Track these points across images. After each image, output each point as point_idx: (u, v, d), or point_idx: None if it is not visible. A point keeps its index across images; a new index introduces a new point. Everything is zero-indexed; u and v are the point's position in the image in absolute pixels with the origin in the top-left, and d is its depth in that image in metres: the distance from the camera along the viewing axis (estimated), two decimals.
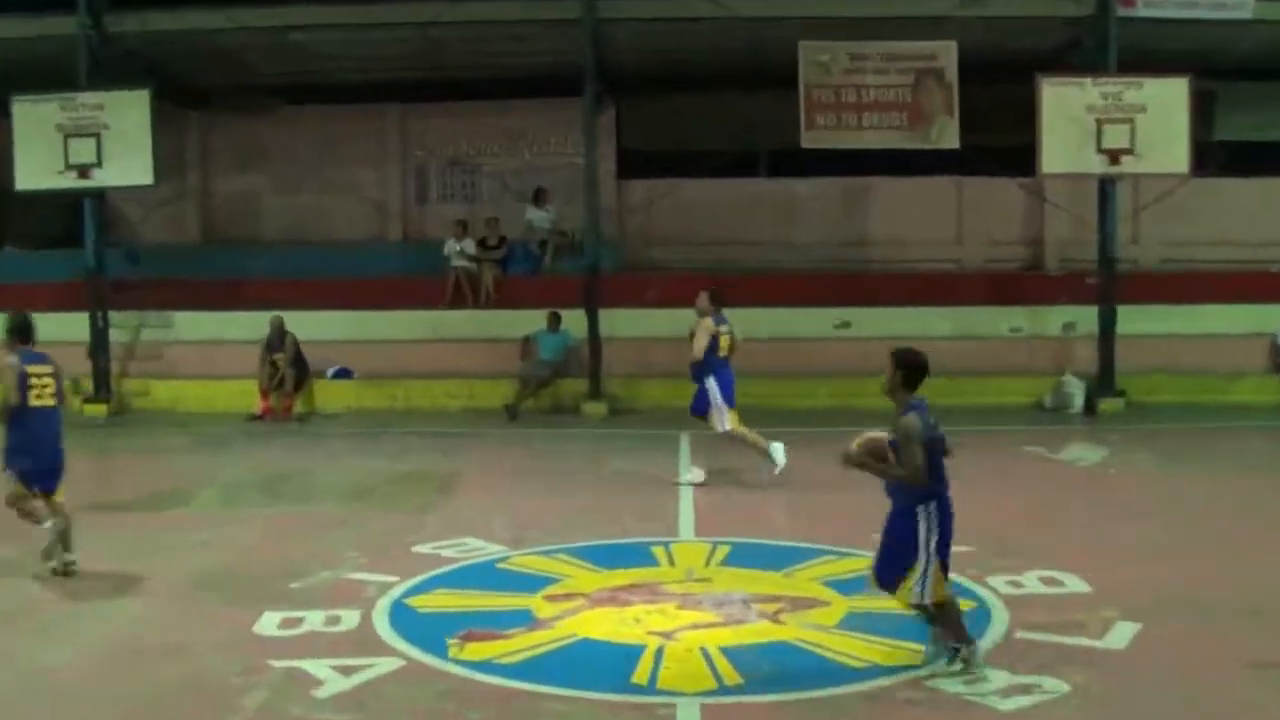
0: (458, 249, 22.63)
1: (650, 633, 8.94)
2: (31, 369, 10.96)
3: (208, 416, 20.12)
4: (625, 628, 9.09)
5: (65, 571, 10.69)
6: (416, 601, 9.80)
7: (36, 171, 20.30)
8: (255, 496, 14.41)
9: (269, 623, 9.32)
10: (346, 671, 8.33)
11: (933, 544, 7.99)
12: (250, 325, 20.97)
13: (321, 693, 8.00)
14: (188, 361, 21.53)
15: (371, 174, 25.03)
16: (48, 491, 11.01)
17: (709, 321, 14.21)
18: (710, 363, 14.15)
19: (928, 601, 8.08)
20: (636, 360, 20.76)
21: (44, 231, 24.26)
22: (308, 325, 20.72)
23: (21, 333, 11.11)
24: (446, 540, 11.72)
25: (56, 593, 10.34)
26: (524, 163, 24.86)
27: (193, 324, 21.94)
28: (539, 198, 23.48)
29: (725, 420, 14.23)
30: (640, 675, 8.16)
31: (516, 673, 8.19)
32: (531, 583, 10.22)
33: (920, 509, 8.00)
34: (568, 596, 9.87)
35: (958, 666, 8.18)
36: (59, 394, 11.16)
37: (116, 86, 20.26)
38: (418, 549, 11.38)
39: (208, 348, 21.60)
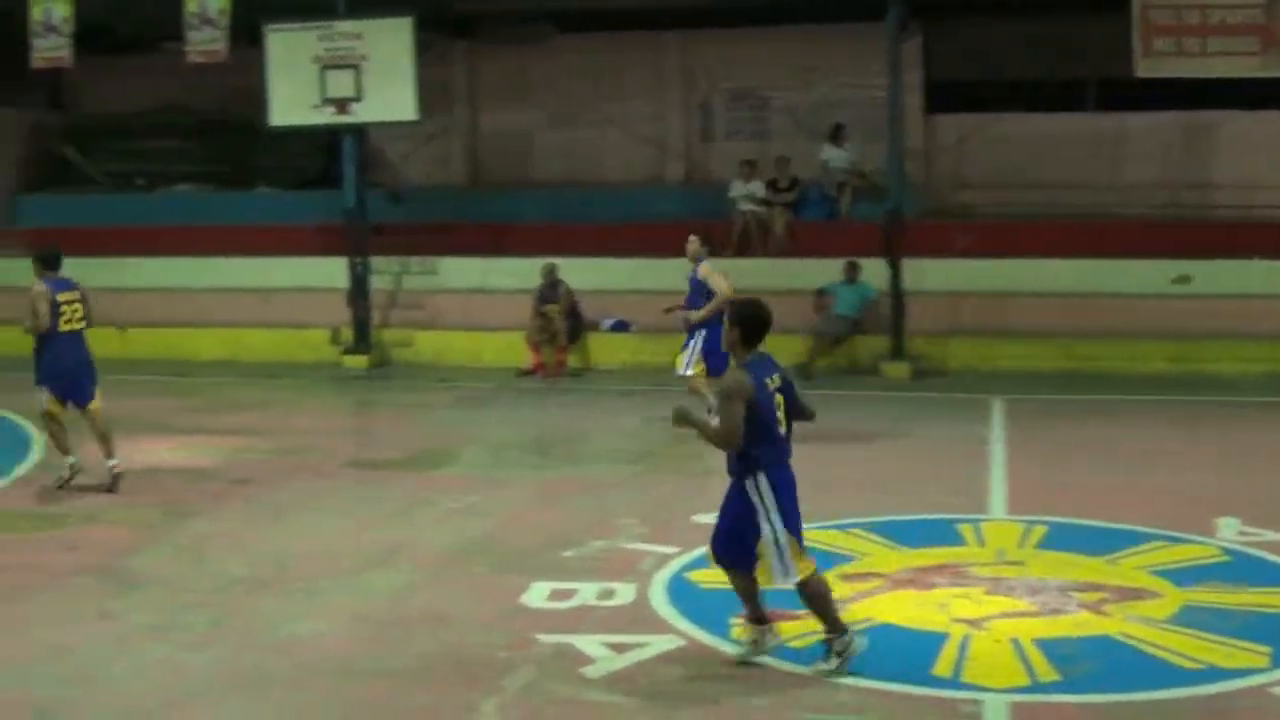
0: (745, 191, 22.69)
1: (955, 620, 8.90)
2: (61, 296, 12.98)
3: (474, 370, 20.68)
4: (927, 613, 9.07)
5: (71, 477, 12.94)
6: (697, 576, 9.94)
7: (291, 106, 21.07)
8: (525, 458, 14.78)
9: (538, 594, 9.59)
10: (620, 649, 8.52)
11: (775, 518, 7.96)
12: (520, 273, 21.46)
13: (592, 671, 8.20)
14: (452, 311, 22.15)
15: (650, 109, 25.26)
16: (81, 404, 13.08)
17: (715, 263, 15.49)
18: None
19: (794, 581, 8.02)
20: (944, 316, 20.51)
21: (299, 171, 25.28)
22: (582, 273, 21.09)
23: (49, 261, 13.22)
24: None
25: (313, 559, 10.85)
26: (819, 96, 24.71)
27: (458, 271, 22.55)
28: (836, 135, 23.34)
29: (690, 365, 15.22)
30: (943, 667, 8.13)
31: (806, 656, 8.24)
32: (825, 560, 10.23)
33: (749, 481, 7.99)
34: (864, 576, 9.89)
35: (832, 663, 8.05)
36: (86, 317, 13.13)
37: (377, 14, 20.83)
38: (699, 518, 11.49)
39: (474, 297, 22.19)
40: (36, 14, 21.51)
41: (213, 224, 24.19)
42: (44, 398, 13.02)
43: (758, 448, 7.97)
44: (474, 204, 24.26)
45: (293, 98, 20.93)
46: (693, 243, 15.47)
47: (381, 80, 20.65)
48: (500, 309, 21.45)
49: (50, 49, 21.68)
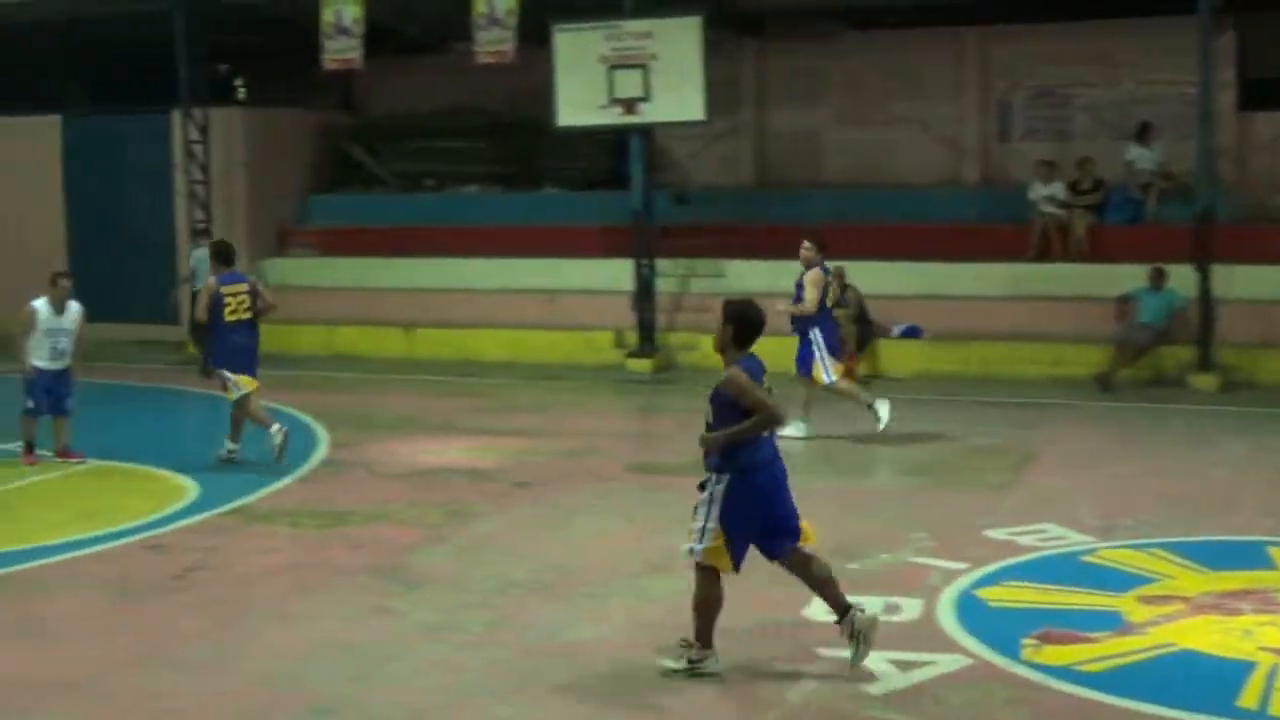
0: (1045, 193, 22.25)
1: (1263, 649, 8.59)
2: (226, 289, 14.80)
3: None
4: (1232, 640, 8.77)
5: (282, 448, 14.46)
6: (987, 593, 9.81)
7: (578, 106, 21.44)
8: (809, 466, 14.70)
9: (821, 606, 9.54)
10: (904, 667, 8.45)
11: (715, 511, 8.27)
12: None
13: (875, 689, 8.15)
14: None
15: (946, 107, 24.96)
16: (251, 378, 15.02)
17: (818, 273, 15.64)
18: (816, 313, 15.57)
19: (698, 558, 8.29)
20: (1257, 326, 19.79)
21: (586, 171, 25.67)
22: (871, 277, 20.96)
23: (223, 257, 15.15)
24: (1023, 525, 11.65)
25: (593, 563, 11.02)
26: (1124, 93, 24.08)
27: (745, 274, 22.59)
28: (1143, 134, 22.72)
29: (830, 371, 15.55)
30: (1248, 698, 7.86)
31: (1100, 682, 8.06)
32: (1122, 580, 10.01)
33: (712, 479, 8.30)
34: (1165, 599, 9.61)
35: (680, 664, 8.34)
36: (253, 308, 14.89)
37: (665, 13, 21.09)
38: (990, 533, 11.37)
39: (759, 300, 22.16)
40: (328, 16, 22.33)
41: (499, 225, 24.75)
42: (227, 379, 14.82)
43: (743, 447, 8.27)
44: (761, 205, 24.31)
45: (580, 98, 21.30)
46: (807, 250, 15.78)
47: (669, 80, 20.85)
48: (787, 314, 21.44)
49: (341, 50, 22.47)
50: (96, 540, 11.97)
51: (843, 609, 8.47)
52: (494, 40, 21.75)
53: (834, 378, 15.71)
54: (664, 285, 22.31)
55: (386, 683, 8.48)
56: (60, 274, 15.08)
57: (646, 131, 21.88)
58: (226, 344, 14.87)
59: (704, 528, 8.35)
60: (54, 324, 14.70)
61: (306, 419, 17.28)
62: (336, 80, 25.91)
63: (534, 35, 21.67)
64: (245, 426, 15.02)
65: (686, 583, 10.23)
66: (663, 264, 22.23)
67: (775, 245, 22.66)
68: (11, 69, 26.04)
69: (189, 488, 13.84)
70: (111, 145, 26.00)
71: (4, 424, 15.36)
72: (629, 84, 21.02)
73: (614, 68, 21.10)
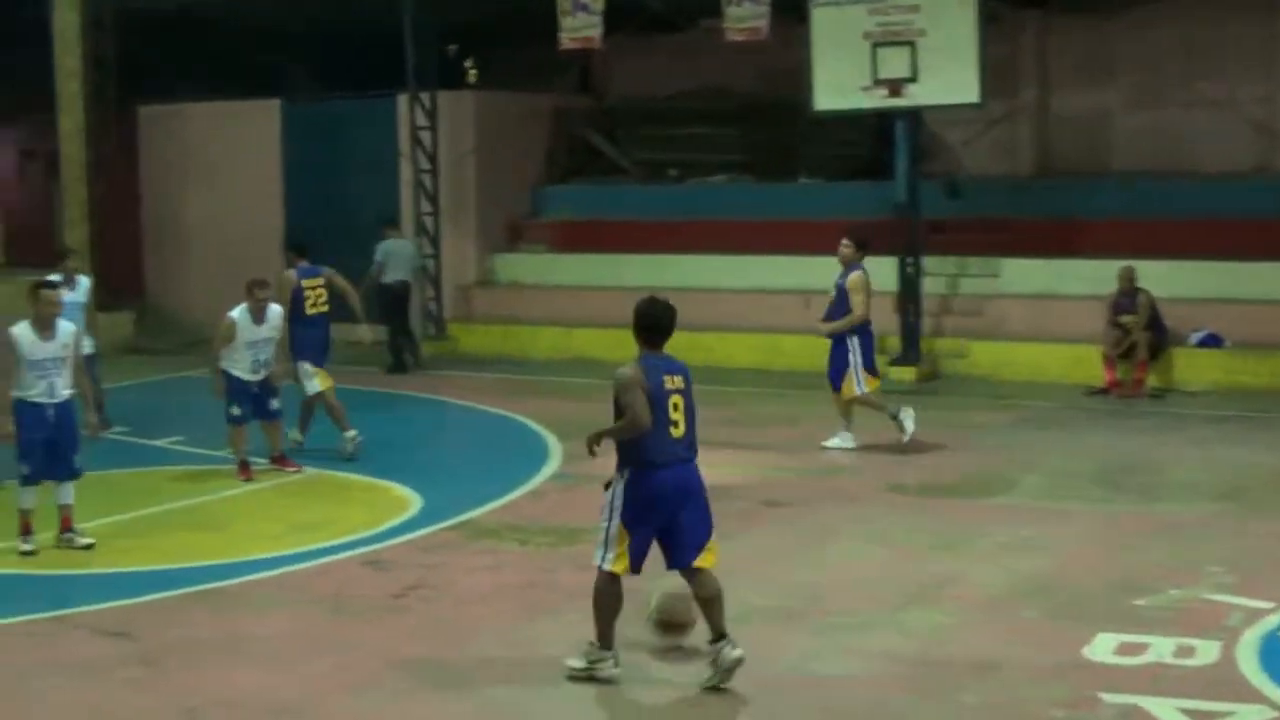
0: None
1: None
2: (306, 283, 16.35)
3: (1037, 387, 20.39)
4: None
5: (354, 451, 15.84)
6: None
7: (838, 89, 21.30)
8: (1091, 489, 14.49)
9: (1103, 646, 9.39)
10: (1198, 717, 8.24)
11: (618, 510, 8.89)
12: (1092, 277, 21.03)
13: None
14: (1014, 319, 21.92)
15: (1255, 86, 24.27)
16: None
17: (863, 275, 16.12)
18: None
19: (607, 568, 8.92)
20: None
21: (846, 160, 25.54)
22: (1166, 278, 20.50)
23: (300, 250, 16.78)
24: None
25: (846, 591, 10.97)
26: None
27: (1022, 273, 22.30)
28: None
29: (862, 384, 16.00)
30: None
31: None
32: None
33: (617, 476, 8.92)
34: None
35: (579, 663, 8.94)
36: (329, 301, 16.44)
37: None
38: None
39: (1039, 303, 21.90)
40: None
41: (749, 218, 24.72)
42: (306, 371, 16.11)
43: (630, 446, 8.88)
44: (1042, 197, 23.91)
45: (840, 79, 21.18)
46: (845, 247, 16.27)
47: (940, 58, 20.61)
48: (1069, 318, 21.10)
49: (579, 29, 22.73)
50: (312, 554, 12.30)
51: (719, 634, 8.96)
52: (745, 16, 21.80)
53: (865, 390, 16.10)
54: (931, 286, 22.11)
55: (615, 716, 8.54)
56: (257, 283, 15.41)
57: (913, 115, 21.68)
58: (307, 337, 16.18)
59: (606, 533, 9.00)
60: (254, 335, 15.11)
61: (537, 427, 17.52)
62: (574, 61, 26.23)
63: (789, 10, 21.66)
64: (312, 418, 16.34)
65: (947, 616, 10.18)
66: (930, 262, 22.03)
67: (1056, 241, 22.37)
68: (236, 51, 26.92)
69: (410, 499, 14.13)
70: (334, 131, 26.68)
71: (215, 428, 15.88)
72: (894, 63, 20.84)
73: (878, 45, 20.94)
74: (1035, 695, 8.66)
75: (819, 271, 22.96)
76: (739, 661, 8.83)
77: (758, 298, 23.29)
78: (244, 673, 9.53)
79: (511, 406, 18.81)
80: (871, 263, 22.02)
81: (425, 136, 25.12)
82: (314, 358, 16.27)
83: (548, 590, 11.14)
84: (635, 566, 9.03)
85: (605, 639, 9.04)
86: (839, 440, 16.32)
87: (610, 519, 9.00)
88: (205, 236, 25.99)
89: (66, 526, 12.63)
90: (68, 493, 12.63)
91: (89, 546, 12.56)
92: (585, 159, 27.55)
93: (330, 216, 25.97)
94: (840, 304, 16.27)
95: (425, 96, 25.04)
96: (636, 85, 27.57)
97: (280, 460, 15.47)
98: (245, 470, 15.19)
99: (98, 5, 26.08)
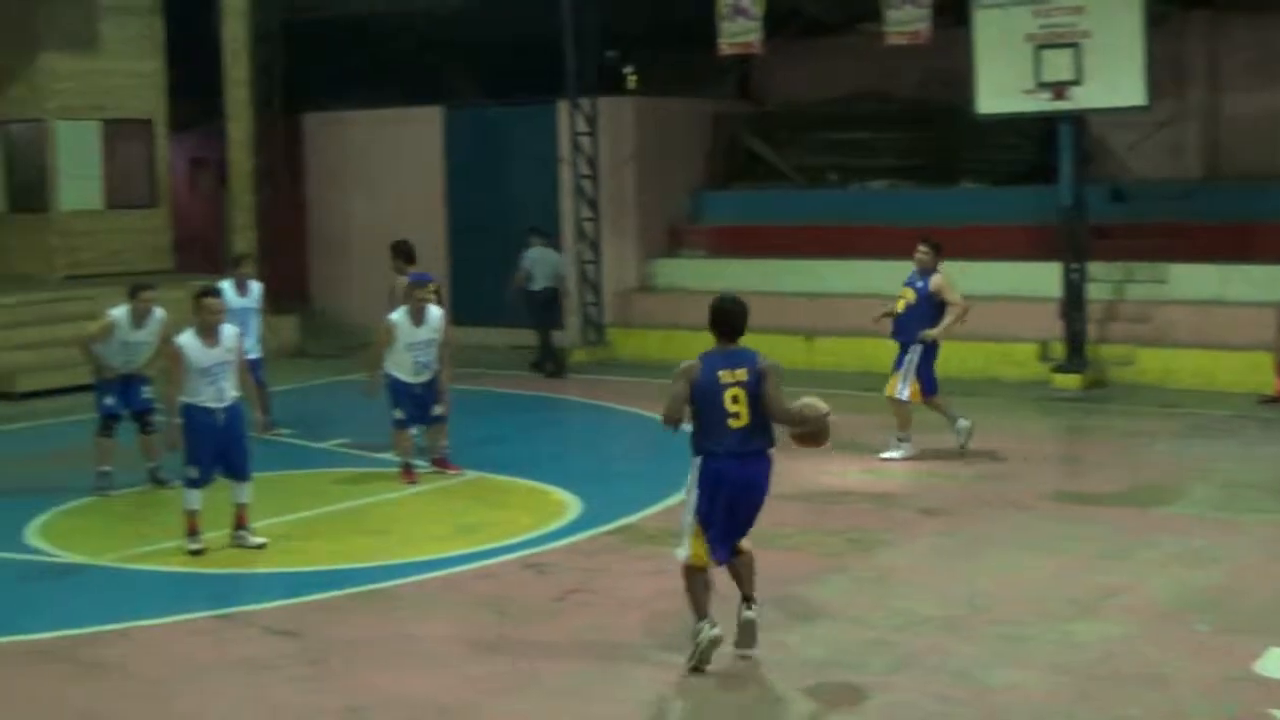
0: None
1: None
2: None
3: (1207, 395, 20.03)
4: None
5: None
6: None
7: (1001, 91, 21.07)
8: (1265, 500, 14.20)
9: (1275, 661, 9.21)
10: None
11: (691, 501, 9.43)
12: (1263, 282, 20.65)
13: None
14: (1183, 325, 21.54)
15: None
16: None
17: (944, 277, 16.21)
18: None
19: (681, 559, 9.46)
20: None
21: (1008, 164, 25.27)
22: None
23: (406, 255, 17.08)
24: None
25: (1011, 601, 10.86)
26: None
27: (1190, 279, 21.93)
28: None
29: (906, 389, 16.02)
30: None
31: None
32: None
33: (692, 463, 9.47)
34: None
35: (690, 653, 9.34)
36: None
37: None
38: None
39: (1208, 309, 21.52)
40: None
41: (910, 223, 24.48)
42: None
43: (697, 433, 9.46)
44: (1211, 200, 23.49)
45: (1003, 82, 20.98)
46: (924, 253, 16.29)
47: (1105, 60, 20.34)
48: (1239, 324, 20.68)
49: (738, 34, 22.73)
50: (474, 557, 12.40)
51: (747, 597, 9.69)
52: (906, 19, 21.68)
53: (905, 396, 16.09)
54: (1096, 292, 21.80)
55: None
56: (416, 283, 15.63)
57: (1078, 119, 21.41)
58: None
59: (685, 528, 9.56)
60: (413, 336, 15.25)
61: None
62: (733, 66, 26.22)
63: (950, 13, 21.50)
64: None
65: (1115, 627, 10.05)
66: (1095, 268, 21.72)
67: (1226, 246, 21.97)
68: (399, 60, 27.24)
69: (571, 503, 14.20)
70: (495, 137, 26.89)
71: (378, 431, 16.07)
72: (1058, 65, 20.60)
73: (1041, 47, 20.71)
74: (1204, 710, 8.52)
75: (982, 277, 22.86)
76: (717, 641, 9.32)
77: None
78: (407, 673, 9.63)
79: None
80: (1034, 269, 22.04)
81: (585, 142, 25.23)
82: None
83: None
84: (715, 555, 9.53)
85: (702, 609, 9.45)
86: (893, 453, 16.14)
87: (686, 513, 9.53)
88: (368, 242, 26.22)
89: (240, 524, 12.86)
90: (244, 491, 12.86)
91: (260, 546, 12.77)
92: (745, 164, 27.52)
93: (491, 222, 26.21)
94: (921, 308, 16.20)
95: (585, 102, 25.16)
96: (796, 90, 27.50)
97: (442, 463, 15.61)
98: (409, 473, 15.34)
99: (265, 17, 26.56)
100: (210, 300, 12.84)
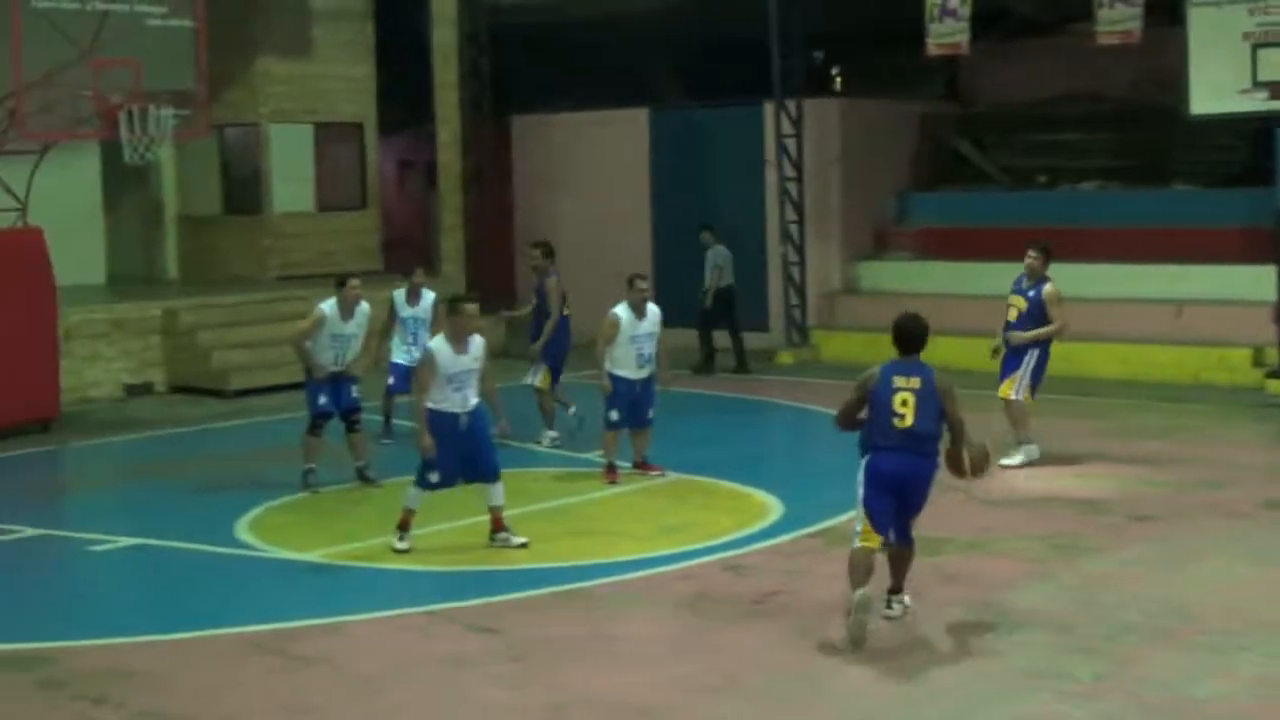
0: None
1: None
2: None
3: None
4: None
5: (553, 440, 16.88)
6: None
7: (1215, 92, 20.64)
8: None
9: None
10: None
11: (860, 494, 10.36)
12: None
13: None
14: None
15: None
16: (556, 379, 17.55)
17: (1055, 288, 15.89)
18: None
19: (858, 544, 10.24)
20: None
21: (1222, 165, 24.75)
22: None
23: (550, 253, 17.72)
24: None
25: (1221, 611, 10.66)
26: None
27: None
28: None
29: (1021, 390, 15.78)
30: None
31: None
32: None
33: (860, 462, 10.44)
34: None
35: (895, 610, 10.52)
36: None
37: None
38: None
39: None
40: None
41: (1119, 225, 24.13)
42: (540, 368, 17.32)
43: (868, 431, 10.41)
44: None
45: (1217, 81, 20.57)
46: (1034, 258, 16.02)
47: None
48: None
49: (946, 35, 22.54)
50: (675, 558, 12.43)
51: (897, 588, 10.63)
52: (1118, 19, 21.33)
53: (1020, 397, 15.83)
54: None
55: None
56: (637, 275, 15.72)
57: None
58: (561, 338, 17.49)
59: (857, 516, 10.41)
60: (636, 329, 15.34)
61: None
62: (940, 67, 26.00)
63: (1163, 12, 21.13)
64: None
65: None
66: None
67: None
68: (606, 60, 27.41)
69: (772, 506, 14.18)
70: (700, 139, 26.92)
71: (582, 431, 16.18)
72: (1276, 64, 20.12)
73: (1258, 46, 20.25)
74: None
75: (1193, 281, 22.46)
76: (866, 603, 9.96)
77: (1126, 307, 22.68)
78: (606, 673, 9.69)
79: None
80: (1248, 272, 21.54)
81: (790, 144, 25.18)
82: (554, 358, 17.42)
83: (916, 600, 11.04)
84: (884, 536, 10.33)
85: (857, 582, 10.08)
86: (1015, 458, 15.79)
87: (857, 503, 10.40)
88: (574, 243, 26.43)
89: (499, 526, 12.96)
90: (497, 494, 12.93)
91: (523, 545, 12.86)
92: (952, 165, 27.27)
93: (695, 224, 26.22)
94: (1034, 315, 15.86)
95: (791, 104, 25.11)
96: (1004, 91, 27.18)
97: (643, 465, 15.66)
98: (612, 473, 15.42)
99: (474, 21, 26.89)
100: (470, 306, 12.97)
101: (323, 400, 15.28)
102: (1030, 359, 15.85)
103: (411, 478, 12.88)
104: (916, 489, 10.36)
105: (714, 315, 23.17)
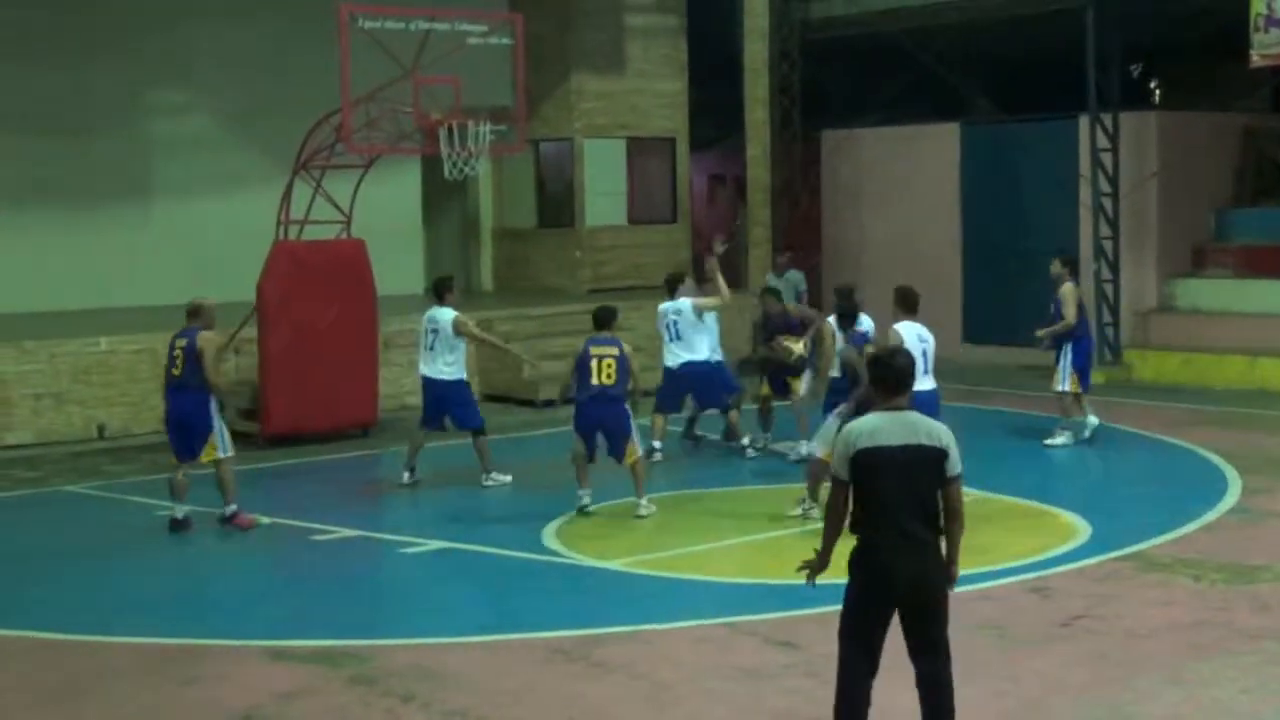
0: None
1: None
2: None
3: None
4: None
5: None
6: None
7: None
8: None
9: None
10: None
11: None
12: None
13: None
14: None
15: None
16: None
17: (1072, 287, 17.90)
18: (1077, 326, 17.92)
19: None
20: None
21: None
22: None
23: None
24: None
25: None
26: None
27: None
28: None
29: (1066, 381, 17.75)
30: None
31: None
32: None
33: None
34: None
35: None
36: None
37: None
38: None
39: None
40: (1257, 7, 21.68)
41: None
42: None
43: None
44: None
45: None
46: (1055, 265, 18.20)
47: None
48: None
49: (1271, 45, 21.80)
50: (978, 578, 12.19)
51: None
52: None
53: (1067, 388, 17.81)
54: None
55: None
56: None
57: None
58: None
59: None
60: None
61: (1215, 459, 16.87)
62: (1265, 79, 25.18)
63: None
64: None
65: None
66: None
67: None
68: (916, 77, 27.19)
69: (1080, 527, 13.85)
70: (1012, 154, 26.50)
71: None
72: None
73: None
74: None
75: None
76: None
77: None
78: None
79: (1188, 436, 18.17)
80: None
81: (1106, 159, 24.58)
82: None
83: (1220, 629, 10.67)
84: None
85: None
86: (1061, 439, 17.87)
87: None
88: (883, 256, 26.29)
89: None
90: None
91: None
92: (1275, 180, 26.36)
93: (1006, 240, 25.86)
94: (1057, 315, 17.96)
95: (1107, 118, 24.52)
96: None
97: None
98: None
99: (785, 37, 26.91)
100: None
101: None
102: (1066, 352, 17.88)
103: None
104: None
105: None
